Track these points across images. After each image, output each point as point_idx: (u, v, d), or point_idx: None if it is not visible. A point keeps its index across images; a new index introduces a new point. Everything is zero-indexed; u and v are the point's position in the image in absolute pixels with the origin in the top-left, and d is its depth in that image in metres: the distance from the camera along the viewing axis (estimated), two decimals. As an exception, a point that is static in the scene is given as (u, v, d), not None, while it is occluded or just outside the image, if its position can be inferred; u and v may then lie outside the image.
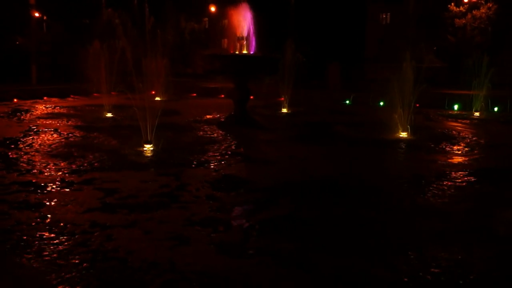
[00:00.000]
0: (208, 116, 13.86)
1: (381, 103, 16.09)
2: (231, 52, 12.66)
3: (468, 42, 25.46)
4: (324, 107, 16.78)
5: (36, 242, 4.12)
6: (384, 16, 36.13)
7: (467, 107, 15.86)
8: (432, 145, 9.50)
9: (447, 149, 9.24)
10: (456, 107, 16.59)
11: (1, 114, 13.73)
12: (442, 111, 15.97)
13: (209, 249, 4.03)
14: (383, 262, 3.84)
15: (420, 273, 3.65)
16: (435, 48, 26.60)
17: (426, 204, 5.56)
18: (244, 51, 12.01)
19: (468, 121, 13.71)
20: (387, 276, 3.60)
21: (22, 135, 9.94)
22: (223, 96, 18.95)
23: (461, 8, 26.85)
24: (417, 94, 10.44)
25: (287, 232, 4.50)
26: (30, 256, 3.85)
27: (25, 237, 4.22)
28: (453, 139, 10.34)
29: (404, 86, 10.57)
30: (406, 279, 3.57)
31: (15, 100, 18.35)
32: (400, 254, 4.01)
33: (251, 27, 11.94)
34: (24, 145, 8.84)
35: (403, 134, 10.37)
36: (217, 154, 8.23)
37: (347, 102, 18.55)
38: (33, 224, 4.57)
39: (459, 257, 3.96)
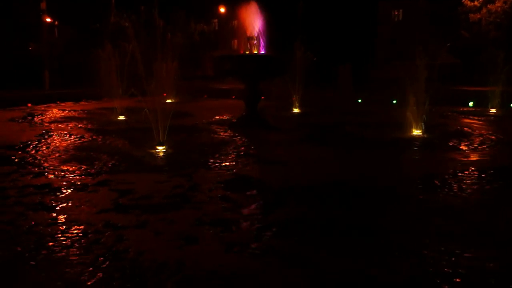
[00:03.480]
0: (219, 117, 13.87)
1: (394, 102, 15.94)
2: (241, 52, 12.63)
3: (483, 37, 25.11)
4: (335, 107, 16.70)
5: (52, 242, 4.16)
6: (396, 13, 35.79)
7: (482, 103, 15.63)
8: (448, 143, 9.36)
9: (463, 147, 9.09)
10: (471, 104, 16.36)
11: (16, 119, 13.90)
12: (457, 108, 15.78)
13: (218, 249, 4.02)
14: (392, 265, 3.77)
15: (434, 276, 3.57)
16: (448, 44, 26.30)
17: (441, 204, 5.44)
18: (255, 52, 11.98)
19: (484, 118, 13.51)
20: (395, 279, 3.53)
21: (36, 138, 10.03)
22: (233, 97, 18.93)
23: (476, 3, 26.51)
24: (431, 92, 10.29)
25: (296, 234, 4.45)
26: (47, 255, 3.90)
27: (41, 237, 4.28)
28: (469, 137, 10.18)
29: (417, 83, 10.45)
30: (416, 282, 3.49)
31: (29, 104, 18.54)
32: (412, 256, 3.92)
33: (261, 27, 11.90)
34: (38, 148, 8.91)
35: (417, 133, 10.24)
36: (229, 155, 8.20)
37: (359, 101, 18.43)
38: (49, 224, 4.62)
39: (475, 259, 3.86)
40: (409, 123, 10.37)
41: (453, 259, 3.83)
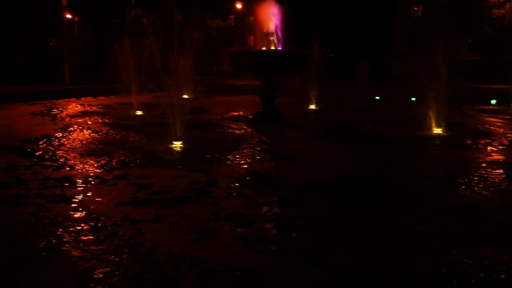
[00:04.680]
0: (235, 113, 13.88)
1: (413, 99, 15.73)
2: (258, 48, 12.61)
3: (506, 33, 24.52)
4: (353, 104, 16.56)
5: (72, 233, 4.24)
6: (415, 8, 35.18)
7: (505, 101, 15.31)
8: (469, 142, 9.18)
9: (485, 146, 8.89)
10: (493, 102, 16.03)
11: (37, 113, 14.15)
12: (478, 106, 15.48)
13: (234, 244, 4.02)
14: (409, 263, 3.72)
15: (450, 276, 3.51)
16: (470, 41, 25.79)
17: (462, 203, 5.33)
18: (272, 48, 11.94)
19: (507, 116, 13.23)
20: (411, 278, 3.48)
21: (56, 132, 10.20)
22: (250, 93, 18.92)
23: (500, -2, 25.88)
24: (451, 89, 10.11)
25: (312, 230, 4.43)
26: (68, 245, 3.97)
27: (62, 228, 4.36)
28: (491, 135, 9.97)
29: (436, 80, 10.27)
30: (432, 281, 3.44)
31: (49, 99, 18.84)
32: (429, 255, 3.86)
33: (278, 23, 11.85)
34: (58, 142, 9.05)
35: (437, 131, 10.07)
36: (246, 151, 8.20)
37: (377, 98, 18.23)
38: (69, 216, 4.71)
39: (494, 260, 3.77)
40: (429, 120, 10.19)
41: (471, 259, 3.76)
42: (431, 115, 10.19)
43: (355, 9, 35.16)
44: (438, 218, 4.84)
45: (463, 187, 5.95)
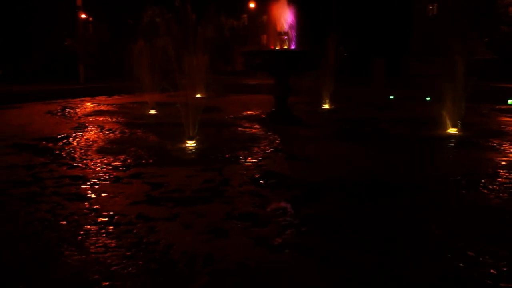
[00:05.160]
0: (248, 113, 13.88)
1: (428, 98, 15.56)
2: (271, 48, 12.57)
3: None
4: (367, 103, 16.43)
5: (87, 231, 4.29)
6: (431, 7, 34.72)
7: (523, 101, 15.05)
8: (485, 142, 9.03)
9: (502, 146, 8.72)
10: (510, 101, 15.77)
11: (52, 112, 14.34)
12: (495, 105, 15.23)
13: (247, 243, 4.02)
14: (424, 264, 3.69)
15: (466, 278, 3.48)
16: (486, 39, 25.39)
17: (478, 204, 5.25)
18: (285, 47, 11.90)
19: (525, 116, 13.00)
20: (426, 279, 3.44)
21: (71, 131, 10.32)
22: (263, 92, 18.91)
23: (517, -5, 25.46)
24: (468, 88, 9.95)
25: (326, 230, 4.41)
26: (83, 243, 4.02)
27: (77, 226, 4.42)
28: (508, 136, 9.80)
29: (452, 79, 10.12)
30: (448, 283, 3.40)
31: (64, 98, 19.06)
32: (445, 256, 3.82)
33: (292, 22, 11.80)
34: (73, 140, 9.15)
35: (453, 131, 9.92)
36: (259, 150, 8.19)
37: (392, 97, 18.06)
38: (84, 214, 4.76)
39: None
40: (444, 120, 10.06)
41: (488, 261, 3.70)
42: (447, 114, 10.05)
43: (371, 7, 34.80)
44: (453, 218, 4.77)
45: (480, 188, 5.85)
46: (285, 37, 11.65)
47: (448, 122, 10.03)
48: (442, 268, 3.60)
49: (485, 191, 5.72)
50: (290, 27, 11.77)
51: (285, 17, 11.71)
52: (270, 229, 4.41)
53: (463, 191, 5.80)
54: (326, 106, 15.36)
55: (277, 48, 11.91)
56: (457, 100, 9.93)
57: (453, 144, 9.19)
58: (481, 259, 3.73)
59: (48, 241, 4.07)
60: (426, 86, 12.68)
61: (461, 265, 3.64)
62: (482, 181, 6.13)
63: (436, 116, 10.24)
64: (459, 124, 9.95)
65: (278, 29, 11.86)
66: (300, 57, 11.78)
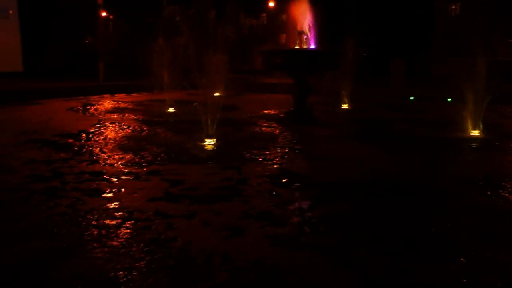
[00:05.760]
0: (267, 112, 13.87)
1: (449, 100, 15.30)
2: (291, 47, 12.52)
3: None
4: (386, 104, 16.25)
5: (106, 227, 4.34)
6: (453, 6, 34.08)
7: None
8: (508, 145, 8.85)
9: (526, 149, 8.54)
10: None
11: (73, 108, 14.56)
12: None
13: (264, 242, 4.03)
14: (437, 266, 3.62)
15: (479, 281, 3.41)
16: (510, 40, 24.88)
17: (498, 208, 5.13)
18: (305, 46, 11.84)
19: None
20: (439, 281, 3.39)
21: (91, 128, 10.46)
22: (281, 92, 18.87)
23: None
24: (490, 90, 9.74)
25: (342, 231, 4.38)
26: (102, 238, 4.07)
27: (97, 221, 4.48)
28: (532, 139, 9.58)
29: (475, 80, 9.92)
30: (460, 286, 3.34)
31: (84, 95, 19.34)
32: (459, 259, 3.75)
33: (311, 21, 11.73)
34: (92, 137, 9.28)
35: (475, 133, 9.73)
36: (277, 149, 8.17)
37: (411, 98, 17.81)
38: (103, 210, 4.82)
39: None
40: (465, 122, 9.87)
41: (506, 265, 3.62)
42: (468, 116, 9.86)
43: (391, 7, 34.36)
44: (472, 222, 4.68)
45: (500, 191, 5.72)
46: (305, 36, 11.59)
47: (469, 124, 9.84)
48: (457, 271, 3.53)
49: (506, 194, 5.60)
50: (310, 26, 11.70)
51: (305, 16, 11.65)
52: (286, 228, 4.40)
53: (483, 194, 5.67)
54: (345, 106, 15.24)
55: (296, 47, 11.86)
56: (479, 101, 9.73)
57: (474, 147, 9.00)
58: (498, 263, 3.65)
59: (68, 235, 4.12)
60: (447, 86, 12.46)
61: (477, 268, 3.58)
62: (503, 184, 6.00)
63: (457, 118, 10.06)
64: (481, 126, 9.75)
65: (298, 28, 11.80)
66: (320, 56, 11.70)
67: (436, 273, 3.49)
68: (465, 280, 3.40)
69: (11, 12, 31.59)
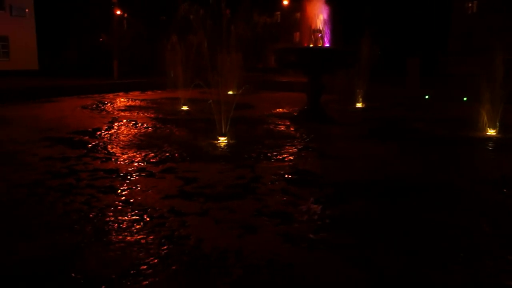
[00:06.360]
0: (280, 110, 13.84)
1: (465, 99, 15.10)
2: (305, 45, 12.46)
3: None
4: (401, 103, 16.09)
5: (120, 223, 4.38)
6: (470, 5, 33.53)
7: None
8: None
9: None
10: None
11: (88, 106, 14.70)
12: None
13: (276, 240, 4.03)
14: (450, 266, 3.59)
15: (492, 283, 3.36)
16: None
17: (513, 208, 5.04)
18: (319, 44, 11.78)
19: None
20: (452, 282, 3.36)
21: (105, 125, 10.54)
22: (295, 90, 18.82)
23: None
24: (507, 89, 9.57)
25: (354, 229, 4.35)
26: (117, 234, 4.11)
27: (112, 218, 4.52)
28: (549, 138, 9.39)
29: (492, 79, 9.76)
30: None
31: (99, 93, 19.51)
32: (473, 259, 3.72)
33: (326, 19, 11.66)
34: (107, 134, 9.35)
35: (491, 132, 9.59)
36: (291, 148, 8.15)
37: (427, 97, 17.60)
38: (118, 206, 4.86)
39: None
40: (482, 121, 9.72)
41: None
42: (485, 115, 9.71)
43: (407, 5, 33.96)
44: (487, 223, 4.61)
45: (518, 192, 5.64)
46: (320, 35, 11.52)
47: (486, 123, 9.69)
48: (472, 273, 3.48)
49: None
50: (324, 24, 11.63)
51: (319, 15, 11.58)
52: (299, 227, 4.38)
53: (500, 194, 5.60)
54: (359, 105, 15.14)
55: (311, 45, 11.80)
56: (496, 100, 9.58)
57: (491, 146, 8.87)
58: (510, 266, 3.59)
59: (84, 231, 4.16)
60: (463, 86, 12.30)
61: (493, 270, 3.52)
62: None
63: (473, 117, 9.92)
64: (498, 126, 9.60)
65: (313, 26, 11.73)
66: (335, 55, 11.63)
67: (451, 275, 3.44)
68: (482, 284, 3.35)
69: (27, 10, 32.01)
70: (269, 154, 7.52)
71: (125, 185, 5.65)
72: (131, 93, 20.44)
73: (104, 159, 7.08)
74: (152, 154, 7.42)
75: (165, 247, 3.82)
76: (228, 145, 8.32)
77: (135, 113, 12.95)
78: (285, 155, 7.53)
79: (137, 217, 4.51)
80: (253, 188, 5.60)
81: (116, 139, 8.83)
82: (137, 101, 16.96)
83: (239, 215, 4.62)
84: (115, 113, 12.99)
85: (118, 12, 34.10)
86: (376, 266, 3.57)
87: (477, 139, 9.28)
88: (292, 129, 10.38)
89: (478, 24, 29.92)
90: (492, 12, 27.46)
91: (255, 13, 35.94)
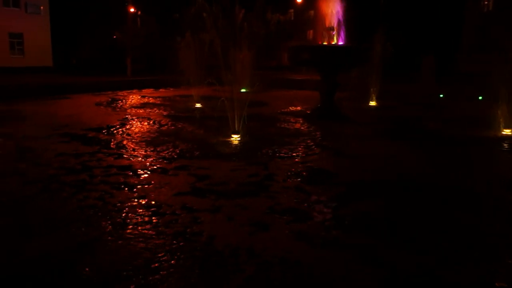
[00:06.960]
0: (293, 108, 13.81)
1: (480, 98, 14.90)
2: (319, 43, 12.40)
3: None
4: (415, 101, 15.94)
5: (134, 219, 4.41)
6: (486, 3, 33.00)
7: None
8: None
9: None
10: None
11: (102, 103, 14.84)
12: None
13: (288, 238, 4.02)
14: (463, 266, 3.56)
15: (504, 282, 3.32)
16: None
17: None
18: (333, 42, 11.71)
19: None
20: (464, 281, 3.33)
21: (118, 122, 10.64)
22: (308, 88, 18.76)
23: None
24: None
25: (367, 228, 4.33)
26: (130, 230, 4.13)
27: (125, 214, 4.55)
28: None
29: (507, 78, 9.59)
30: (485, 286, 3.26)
31: (112, 90, 19.67)
32: (484, 259, 3.67)
33: (340, 17, 11.59)
34: (120, 131, 9.43)
35: (507, 132, 9.44)
36: (304, 146, 8.12)
37: (442, 96, 17.41)
38: (131, 203, 4.89)
39: None
40: (497, 121, 9.57)
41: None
42: (500, 115, 9.55)
43: (421, 2, 33.57)
44: (499, 223, 4.55)
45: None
46: (333, 32, 11.46)
47: (501, 122, 9.54)
48: (486, 272, 3.44)
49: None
50: (338, 22, 11.56)
51: (333, 12, 11.51)
52: (312, 225, 4.37)
53: (513, 195, 5.52)
54: (372, 103, 15.03)
55: (324, 43, 11.74)
56: (512, 99, 9.42)
57: (505, 146, 8.73)
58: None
59: (98, 227, 4.20)
60: (478, 84, 12.14)
61: (506, 271, 3.47)
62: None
63: (488, 116, 9.77)
64: (514, 125, 9.45)
65: (326, 24, 11.67)
66: (349, 52, 11.55)
67: (465, 274, 3.41)
68: (495, 283, 3.32)
69: (42, 8, 32.35)
70: (282, 152, 7.51)
71: (138, 181, 5.69)
72: (144, 90, 20.57)
73: (117, 156, 7.13)
74: (165, 151, 7.45)
75: (178, 243, 3.84)
76: (241, 142, 8.33)
77: (149, 110, 13.04)
78: (298, 153, 7.51)
79: (150, 213, 4.54)
80: (265, 185, 5.59)
81: (130, 136, 8.90)
82: (150, 98, 17.07)
83: (252, 213, 4.62)
84: (129, 110, 13.09)
85: (132, 10, 34.31)
86: (389, 265, 3.54)
87: (492, 139, 9.14)
88: (305, 127, 10.34)
89: (494, 22, 29.43)
90: (508, 10, 26.98)
91: (268, 11, 35.82)
